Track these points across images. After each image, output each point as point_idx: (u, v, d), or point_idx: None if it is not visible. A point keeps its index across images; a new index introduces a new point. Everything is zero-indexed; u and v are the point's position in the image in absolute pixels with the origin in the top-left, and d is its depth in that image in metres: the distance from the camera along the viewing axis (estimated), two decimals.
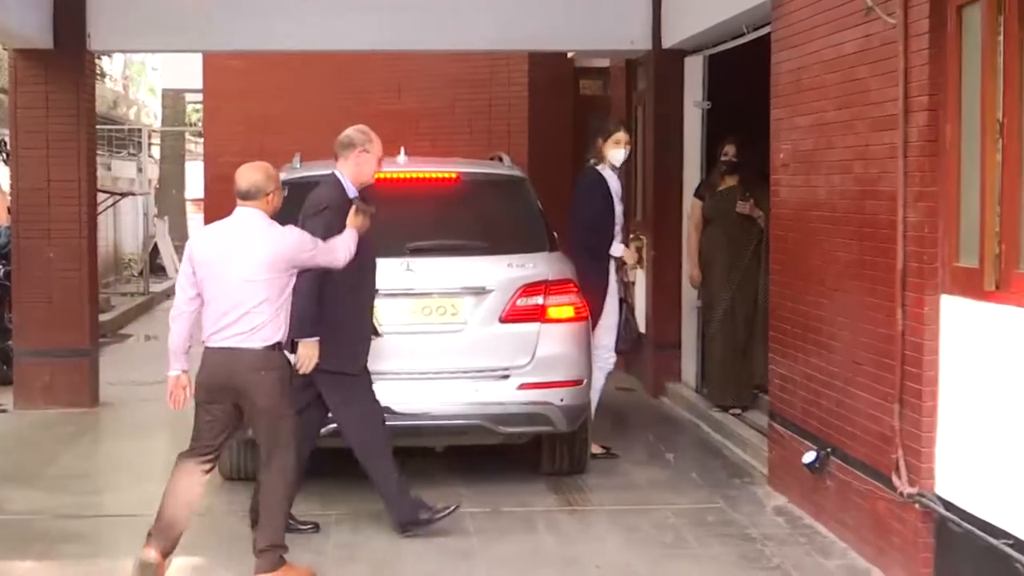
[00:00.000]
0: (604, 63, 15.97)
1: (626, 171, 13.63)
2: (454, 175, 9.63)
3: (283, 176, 9.54)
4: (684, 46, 12.80)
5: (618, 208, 10.44)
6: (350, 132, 8.50)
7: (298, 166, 9.79)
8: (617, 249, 10.38)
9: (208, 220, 18.91)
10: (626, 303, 10.58)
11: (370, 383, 8.36)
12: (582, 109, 15.82)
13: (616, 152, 10.49)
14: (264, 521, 7.49)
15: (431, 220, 9.45)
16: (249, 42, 13.36)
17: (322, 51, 14.73)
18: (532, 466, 9.71)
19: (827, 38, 8.28)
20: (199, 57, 19.26)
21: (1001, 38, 6.35)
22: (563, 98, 16.09)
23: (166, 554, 7.41)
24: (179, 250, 30.82)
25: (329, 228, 7.93)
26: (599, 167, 10.47)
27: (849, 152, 7.93)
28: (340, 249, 7.74)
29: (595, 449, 10.04)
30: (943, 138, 6.87)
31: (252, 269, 7.21)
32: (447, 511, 8.31)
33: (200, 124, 38.01)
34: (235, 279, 7.22)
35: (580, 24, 13.01)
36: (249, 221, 7.37)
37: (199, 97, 23.44)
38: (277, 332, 7.31)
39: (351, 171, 8.37)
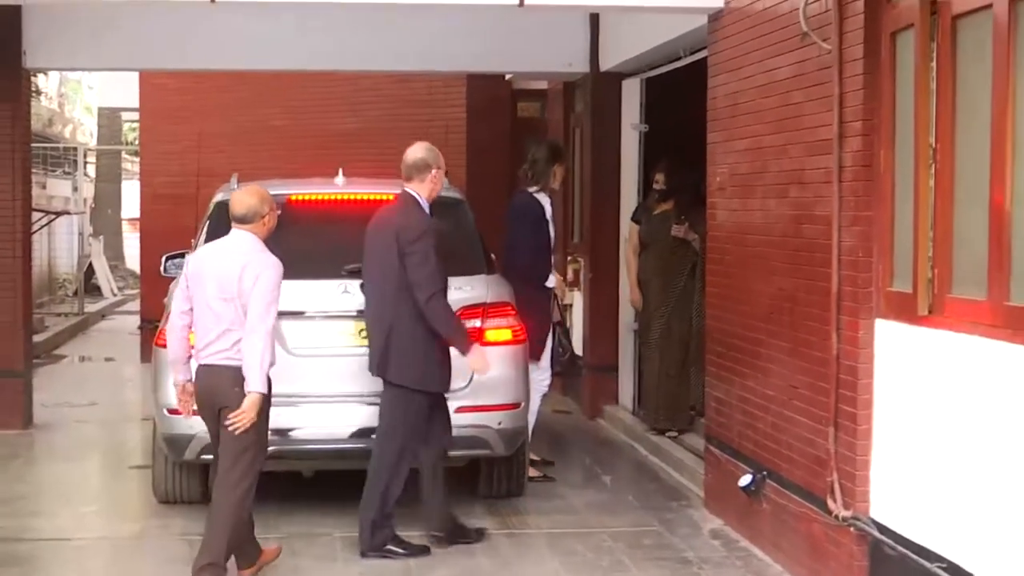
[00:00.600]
0: (542, 85, 16.00)
1: (563, 193, 13.72)
2: (391, 197, 9.57)
3: (221, 197, 9.56)
4: (622, 69, 12.86)
5: (552, 233, 10.57)
6: (423, 154, 8.49)
7: (236, 186, 9.70)
8: (552, 281, 10.50)
9: (144, 240, 18.84)
10: (559, 325, 10.62)
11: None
12: (520, 131, 15.82)
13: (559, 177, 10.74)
14: (207, 537, 7.45)
15: None
16: (185, 61, 13.32)
17: (259, 70, 14.69)
18: (469, 489, 9.69)
19: (762, 63, 8.33)
20: (136, 76, 19.11)
21: (934, 64, 6.41)
22: (501, 120, 16.09)
23: (251, 564, 7.70)
24: (115, 270, 30.66)
25: (428, 256, 8.12)
26: (538, 193, 10.53)
27: (785, 176, 7.98)
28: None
29: (532, 473, 10.04)
30: (877, 163, 6.92)
31: (229, 289, 7.34)
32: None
33: (136, 143, 37.80)
34: (214, 297, 7.37)
35: (519, 46, 13.04)
36: (241, 243, 7.51)
37: (136, 116, 23.26)
38: None
39: (427, 191, 8.42)
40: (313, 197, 9.57)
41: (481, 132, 15.87)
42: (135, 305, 22.53)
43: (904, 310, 6.63)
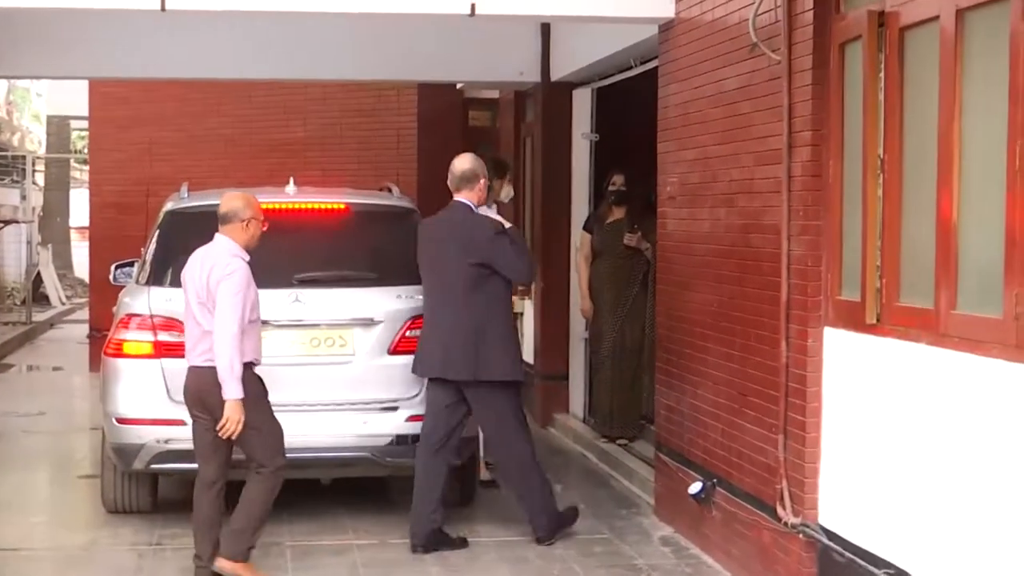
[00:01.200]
0: (493, 94, 16.03)
1: (514, 202, 13.74)
2: (343, 206, 9.60)
3: (171, 206, 9.53)
4: (572, 79, 12.90)
5: None
6: (471, 165, 8.76)
7: (186, 195, 9.68)
8: None
9: (94, 248, 18.72)
10: None
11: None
12: (471, 140, 15.82)
13: (508, 189, 10.88)
14: (236, 515, 7.74)
15: (320, 251, 9.41)
16: (134, 69, 13.27)
17: (208, 79, 14.65)
18: None
19: (712, 73, 8.38)
20: (85, 83, 19.02)
21: (882, 76, 6.47)
22: (452, 129, 16.08)
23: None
24: (63, 279, 30.48)
25: (515, 240, 8.68)
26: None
27: (734, 185, 8.03)
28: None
29: (484, 475, 10.06)
30: (826, 173, 6.98)
31: (202, 293, 7.63)
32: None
33: (85, 151, 37.60)
34: (194, 301, 7.68)
35: (470, 55, 13.07)
36: (216, 247, 7.76)
37: (85, 124, 23.13)
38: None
39: (476, 199, 8.73)
40: (264, 206, 9.51)
41: (432, 141, 15.86)
42: (84, 314, 22.40)
43: (852, 319, 6.69)
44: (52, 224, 33.56)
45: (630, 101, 12.96)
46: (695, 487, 8.41)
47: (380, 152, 16.04)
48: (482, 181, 8.71)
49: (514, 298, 12.10)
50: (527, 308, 13.70)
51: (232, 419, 7.47)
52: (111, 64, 13.08)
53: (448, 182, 8.80)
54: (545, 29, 13.21)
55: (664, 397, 9.30)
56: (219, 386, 7.50)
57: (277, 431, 7.83)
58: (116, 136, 17.70)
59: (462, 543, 8.66)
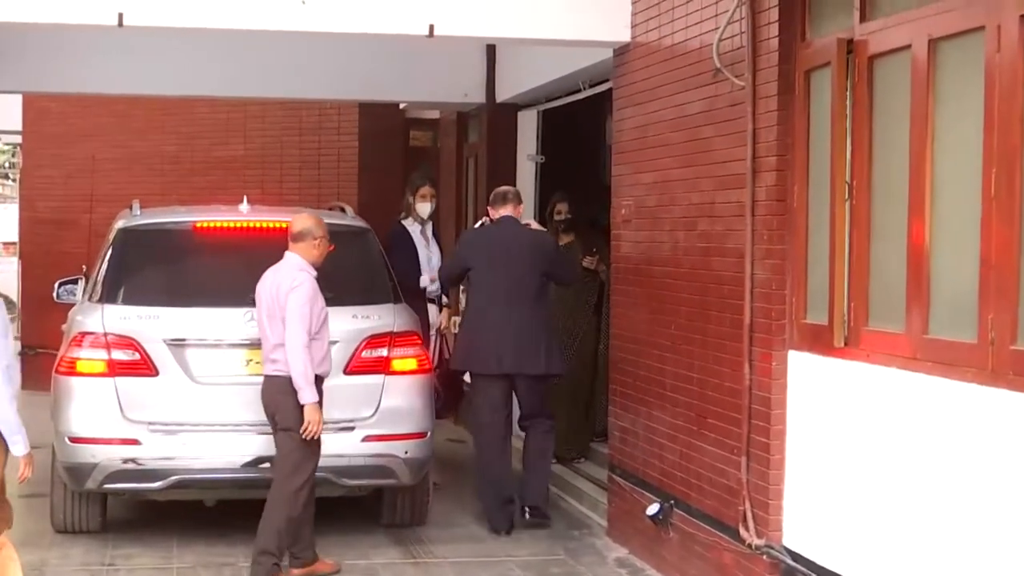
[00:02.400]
0: (434, 115, 16.05)
1: (455, 222, 13.79)
2: None
3: (123, 223, 9.46)
4: (518, 100, 12.95)
5: (425, 260, 10.93)
6: (515, 188, 10.28)
7: (138, 213, 9.60)
8: (425, 282, 10.93)
9: (25, 265, 18.49)
10: (437, 369, 10.54)
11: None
12: (412, 160, 15.85)
13: (423, 206, 11.10)
14: (262, 528, 8.10)
15: None
16: (74, 84, 13.16)
17: (146, 95, 14.52)
18: (370, 517, 9.68)
19: (672, 97, 8.44)
20: (13, 97, 18.78)
21: (849, 103, 6.55)
22: (393, 148, 16.07)
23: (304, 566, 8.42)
24: None
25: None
26: (404, 221, 10.90)
27: (694, 209, 8.09)
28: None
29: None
30: (791, 198, 7.05)
31: (272, 306, 8.14)
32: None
33: (7, 166, 37.13)
34: (264, 314, 8.20)
35: (415, 75, 13.09)
36: (286, 263, 8.32)
37: (12, 139, 22.83)
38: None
39: (517, 214, 9.84)
40: (218, 224, 9.49)
41: (373, 160, 15.85)
42: (17, 330, 22.07)
43: (818, 342, 6.76)
44: None
45: (575, 123, 13.06)
46: (653, 508, 8.45)
47: (321, 171, 15.99)
48: (522, 203, 9.98)
49: (455, 318, 12.26)
50: None
51: (313, 421, 8.05)
52: (43, 79, 12.92)
53: (490, 202, 9.94)
54: (491, 50, 13.26)
55: (618, 419, 9.34)
56: (282, 395, 8.09)
57: (315, 447, 8.23)
58: (52, 152, 17.49)
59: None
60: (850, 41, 6.53)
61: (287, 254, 8.34)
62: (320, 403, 8.14)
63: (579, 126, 13.26)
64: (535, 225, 10.01)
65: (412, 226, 11.14)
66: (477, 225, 10.35)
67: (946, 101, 5.84)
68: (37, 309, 17.53)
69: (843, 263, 6.55)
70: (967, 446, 5.55)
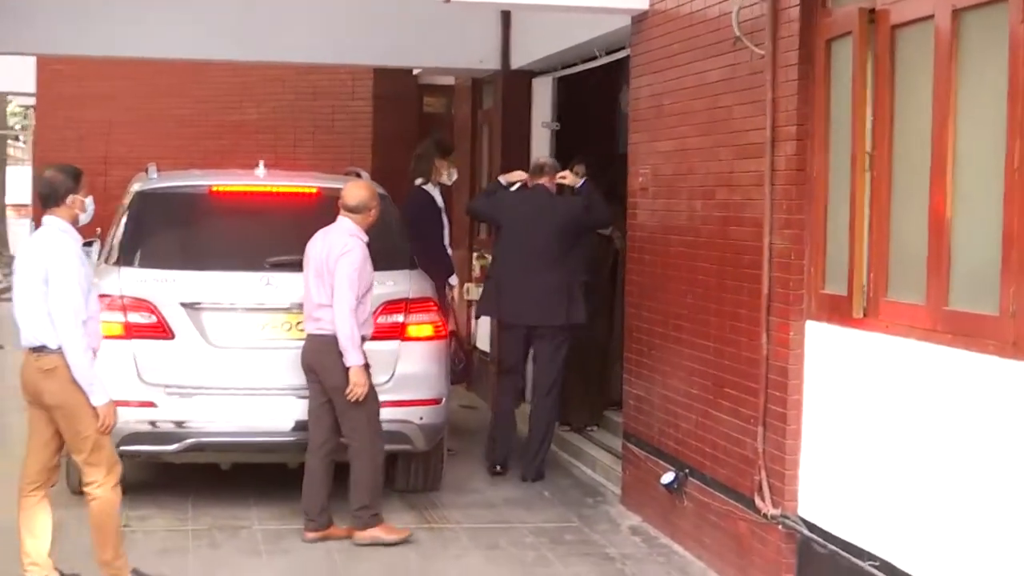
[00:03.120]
0: (448, 81, 16.01)
1: (470, 189, 13.78)
2: (315, 190, 9.57)
3: (140, 187, 9.46)
4: (534, 67, 12.92)
5: (446, 226, 11.01)
6: (551, 160, 10.87)
7: (155, 176, 9.60)
8: (454, 279, 11.19)
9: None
10: (455, 335, 10.65)
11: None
12: (425, 126, 15.84)
13: (453, 172, 11.34)
14: (353, 482, 8.42)
15: (291, 235, 9.33)
16: (89, 47, 13.14)
17: (161, 59, 14.49)
18: (385, 483, 9.68)
19: (690, 65, 8.42)
20: (26, 60, 18.77)
21: (870, 73, 6.53)
22: (407, 114, 16.06)
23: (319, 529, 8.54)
24: None
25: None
26: (427, 186, 10.92)
27: (712, 178, 8.08)
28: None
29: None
30: (810, 167, 7.04)
31: (321, 268, 8.33)
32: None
33: (18, 128, 37.14)
34: (312, 275, 8.40)
35: (429, 41, 13.06)
36: (339, 228, 8.48)
37: (25, 100, 22.84)
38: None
39: (552, 186, 10.49)
40: (235, 188, 9.49)
41: (387, 126, 15.85)
42: None
43: (837, 312, 6.75)
44: None
45: (590, 90, 13.03)
46: (668, 477, 8.46)
47: (335, 136, 15.99)
48: (557, 174, 10.47)
49: (468, 284, 12.33)
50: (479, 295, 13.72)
51: (358, 383, 8.25)
52: (64, 41, 12.91)
53: (529, 171, 10.60)
54: (506, 17, 13.22)
55: (633, 387, 9.34)
56: (327, 353, 8.29)
57: (373, 405, 8.43)
58: (66, 115, 17.51)
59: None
60: (872, 11, 6.50)
61: (340, 218, 8.52)
62: (366, 365, 8.33)
63: (593, 93, 13.23)
64: (570, 178, 10.41)
65: (433, 191, 11.16)
66: (515, 188, 10.58)
67: (969, 72, 5.81)
68: None
69: (863, 233, 6.53)
70: (986, 418, 5.55)
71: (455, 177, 11.38)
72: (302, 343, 8.80)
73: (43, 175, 7.33)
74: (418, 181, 11.17)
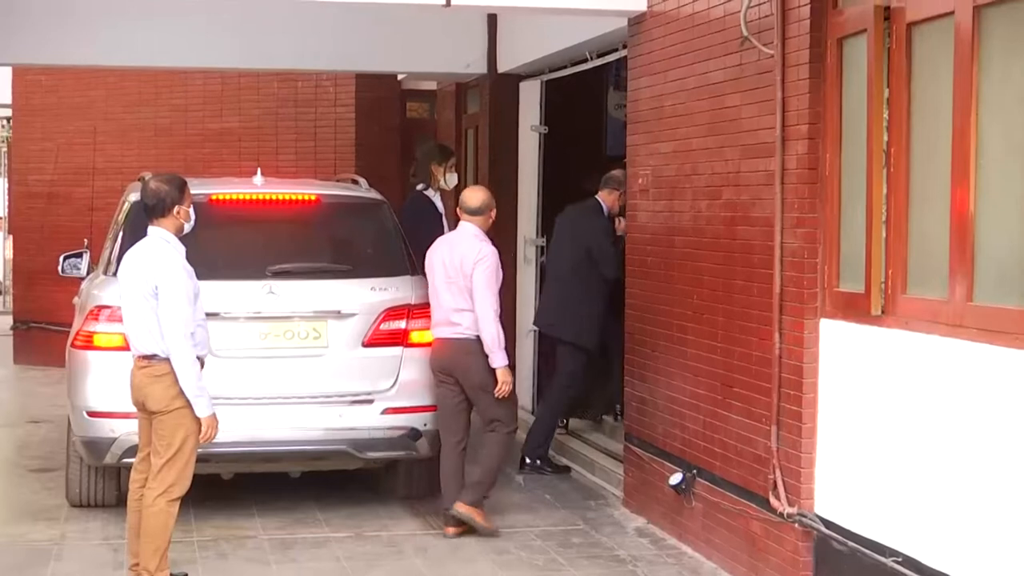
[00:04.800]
0: (431, 86, 15.97)
1: (455, 194, 13.72)
2: (314, 197, 9.52)
3: (136, 196, 9.36)
4: (521, 71, 12.89)
5: (447, 231, 10.76)
6: (612, 175, 10.66)
7: None
8: None
9: (17, 238, 18.36)
10: None
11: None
12: (409, 132, 15.79)
13: (451, 176, 11.22)
14: (483, 461, 8.80)
15: (292, 243, 9.34)
16: (61, 56, 13.03)
17: (141, 67, 14.43)
18: (384, 489, 9.67)
19: (692, 66, 8.41)
20: (2, 70, 18.60)
21: (886, 68, 6.53)
22: (390, 120, 15.97)
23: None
24: None
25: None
26: (427, 191, 10.86)
27: (718, 179, 8.07)
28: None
29: None
30: (823, 166, 7.04)
31: (454, 274, 8.58)
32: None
33: None
34: (442, 281, 8.65)
35: (415, 46, 13.02)
36: (466, 233, 8.72)
37: (1, 112, 22.62)
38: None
39: (610, 201, 10.59)
40: (234, 197, 9.42)
41: (370, 132, 15.76)
42: (4, 304, 21.93)
43: (853, 310, 6.75)
44: None
45: (576, 94, 13.02)
46: (675, 478, 8.44)
47: (317, 143, 15.89)
48: (619, 191, 10.42)
49: None
50: None
51: (508, 381, 8.61)
52: (41, 51, 12.78)
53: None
54: (492, 21, 13.20)
55: (635, 388, 9.33)
56: (469, 355, 8.58)
57: (513, 397, 8.78)
58: (44, 125, 17.35)
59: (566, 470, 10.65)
60: (887, 8, 6.51)
61: (462, 224, 8.76)
62: (512, 365, 8.81)
63: (579, 96, 13.22)
64: (621, 227, 10.38)
65: (433, 196, 11.13)
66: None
67: (991, 68, 5.82)
68: (28, 283, 17.46)
69: (880, 230, 6.54)
70: (1015, 413, 5.56)
71: (455, 182, 11.34)
72: (304, 352, 8.77)
73: (147, 185, 7.44)
74: (419, 186, 11.12)
